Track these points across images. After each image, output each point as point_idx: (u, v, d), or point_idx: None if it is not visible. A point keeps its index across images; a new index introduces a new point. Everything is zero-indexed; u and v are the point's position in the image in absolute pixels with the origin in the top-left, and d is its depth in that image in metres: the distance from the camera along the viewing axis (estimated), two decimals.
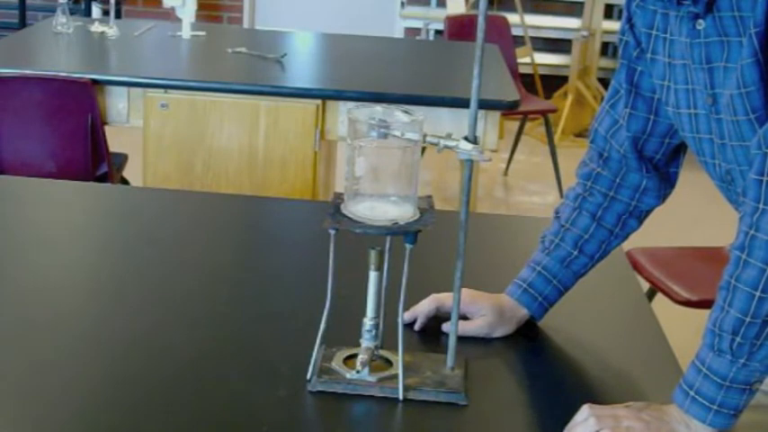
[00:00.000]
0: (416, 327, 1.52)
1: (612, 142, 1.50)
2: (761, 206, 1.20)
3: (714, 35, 1.28)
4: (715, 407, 1.22)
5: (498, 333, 1.52)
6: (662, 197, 1.53)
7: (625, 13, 1.44)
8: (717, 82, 1.30)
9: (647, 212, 1.54)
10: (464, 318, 1.51)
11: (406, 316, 1.48)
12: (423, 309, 1.52)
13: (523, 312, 1.54)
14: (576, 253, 1.53)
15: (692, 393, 1.23)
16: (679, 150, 1.51)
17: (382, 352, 1.37)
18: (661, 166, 1.51)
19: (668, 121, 1.45)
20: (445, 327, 1.51)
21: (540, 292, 1.54)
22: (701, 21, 1.28)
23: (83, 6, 6.02)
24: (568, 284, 1.55)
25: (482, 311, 1.51)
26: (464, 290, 1.52)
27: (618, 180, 1.52)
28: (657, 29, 1.38)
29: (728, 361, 1.21)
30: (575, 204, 1.54)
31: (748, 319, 1.19)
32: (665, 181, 1.52)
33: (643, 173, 1.50)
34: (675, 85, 1.38)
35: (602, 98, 1.74)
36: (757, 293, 1.19)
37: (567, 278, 1.55)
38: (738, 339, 1.20)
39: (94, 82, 3.08)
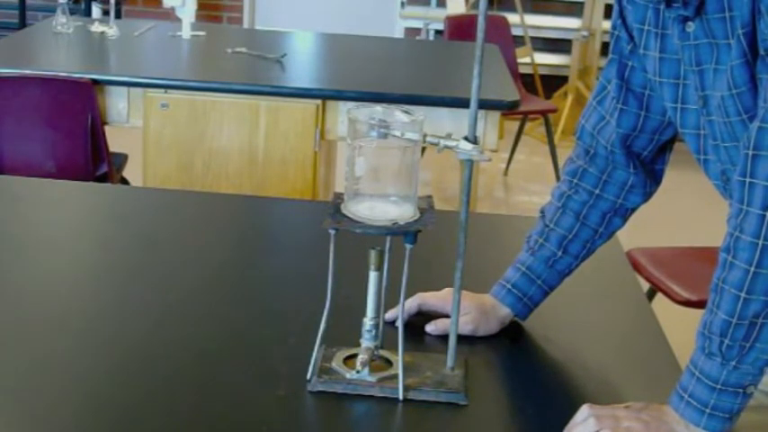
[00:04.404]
0: (397, 323, 1.42)
1: (599, 138, 1.50)
2: (744, 207, 1.19)
3: (703, 37, 1.28)
4: (708, 410, 1.21)
5: (482, 332, 1.51)
6: (647, 195, 1.52)
7: (616, 8, 1.44)
8: (707, 84, 1.30)
9: (632, 210, 1.54)
10: (446, 316, 1.49)
11: (388, 315, 1.47)
12: (405, 306, 1.51)
13: (506, 312, 1.54)
14: (560, 253, 1.52)
15: (686, 397, 1.23)
16: (665, 148, 1.51)
17: (382, 352, 1.37)
18: (647, 163, 1.51)
19: (659, 117, 1.45)
20: (428, 327, 1.51)
21: (525, 293, 1.53)
22: (690, 23, 1.28)
23: (83, 6, 6.01)
24: (554, 284, 1.55)
25: (465, 309, 1.49)
26: (446, 289, 1.51)
27: (604, 177, 1.51)
28: (649, 24, 1.38)
29: (719, 364, 1.21)
30: (559, 203, 1.53)
31: (735, 321, 1.19)
32: (651, 178, 1.52)
33: (630, 170, 1.49)
34: (664, 80, 1.37)
35: None
36: (742, 295, 1.18)
37: (552, 278, 1.54)
38: (727, 341, 1.20)
39: (94, 82, 3.08)
